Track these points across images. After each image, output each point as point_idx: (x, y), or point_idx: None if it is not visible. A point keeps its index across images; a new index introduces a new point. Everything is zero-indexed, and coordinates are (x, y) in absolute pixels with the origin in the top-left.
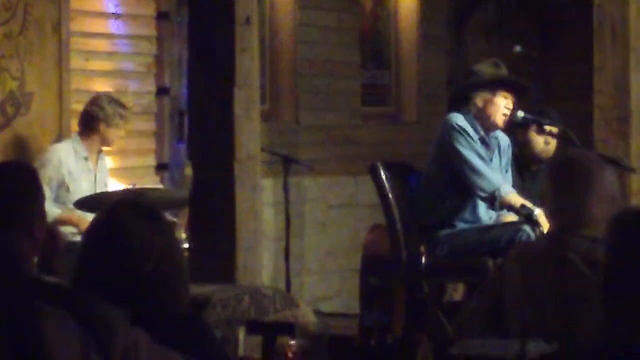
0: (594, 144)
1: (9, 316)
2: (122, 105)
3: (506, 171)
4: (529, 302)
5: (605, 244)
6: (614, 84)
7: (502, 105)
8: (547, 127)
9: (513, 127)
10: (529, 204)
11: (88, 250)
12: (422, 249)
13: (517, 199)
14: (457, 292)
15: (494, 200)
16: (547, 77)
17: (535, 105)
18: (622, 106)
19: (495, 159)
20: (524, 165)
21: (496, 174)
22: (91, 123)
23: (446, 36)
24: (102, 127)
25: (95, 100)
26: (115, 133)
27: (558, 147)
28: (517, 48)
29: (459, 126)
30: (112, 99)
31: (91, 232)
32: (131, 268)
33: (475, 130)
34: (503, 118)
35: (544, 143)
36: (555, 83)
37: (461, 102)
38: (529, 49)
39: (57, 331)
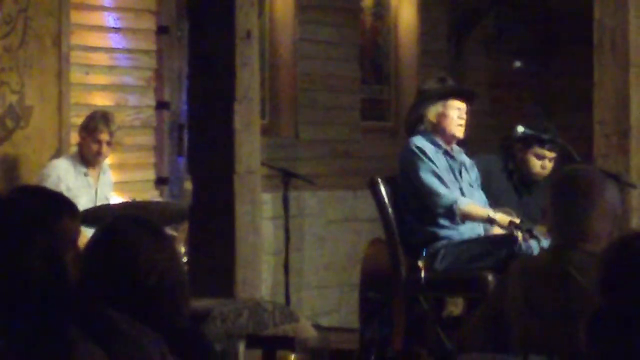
0: (594, 159)
1: (42, 341)
2: (103, 117)
3: (477, 186)
4: (530, 317)
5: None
6: (614, 99)
7: (455, 116)
8: (547, 153)
9: (511, 142)
10: (490, 212)
11: (90, 264)
12: (421, 263)
13: (476, 209)
14: (457, 307)
15: (454, 215)
16: (547, 91)
17: (535, 119)
18: (622, 121)
19: (465, 174)
20: (520, 180)
21: (454, 188)
22: (83, 135)
23: (446, 51)
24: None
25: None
26: (89, 144)
27: (556, 165)
28: (517, 63)
29: (418, 147)
30: (99, 113)
31: (93, 247)
32: (134, 282)
33: (437, 146)
34: (459, 128)
35: (540, 167)
36: (555, 97)
37: (418, 124)
38: (528, 64)
39: None
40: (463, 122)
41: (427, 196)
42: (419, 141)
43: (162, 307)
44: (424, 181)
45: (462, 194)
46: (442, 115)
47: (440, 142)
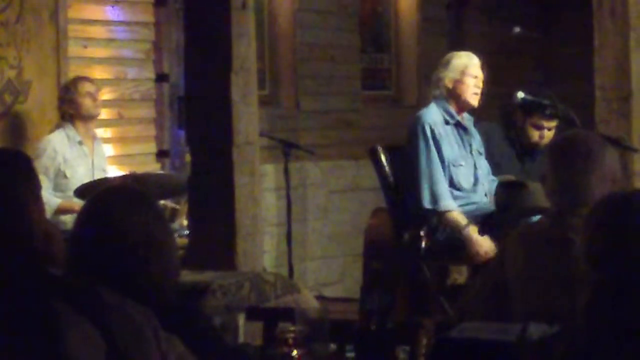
0: (595, 124)
1: (25, 317)
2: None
3: (480, 154)
4: (531, 284)
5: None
6: (614, 64)
7: (471, 84)
8: (546, 122)
9: (512, 109)
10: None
11: (74, 236)
12: (423, 232)
13: (458, 217)
14: (461, 275)
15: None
16: (548, 57)
17: (534, 86)
18: (623, 86)
19: (474, 143)
20: (522, 148)
21: (467, 165)
22: (62, 107)
23: (446, 19)
24: (66, 107)
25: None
26: (84, 100)
27: (558, 133)
28: (517, 29)
29: (428, 124)
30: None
31: (77, 219)
32: (109, 251)
33: (450, 116)
34: (474, 96)
35: (538, 137)
36: (557, 64)
37: (434, 88)
38: (529, 30)
39: (79, 341)
40: (479, 90)
41: (420, 184)
42: (430, 116)
43: (143, 275)
44: (422, 170)
45: (475, 168)
46: (458, 82)
47: (453, 111)
